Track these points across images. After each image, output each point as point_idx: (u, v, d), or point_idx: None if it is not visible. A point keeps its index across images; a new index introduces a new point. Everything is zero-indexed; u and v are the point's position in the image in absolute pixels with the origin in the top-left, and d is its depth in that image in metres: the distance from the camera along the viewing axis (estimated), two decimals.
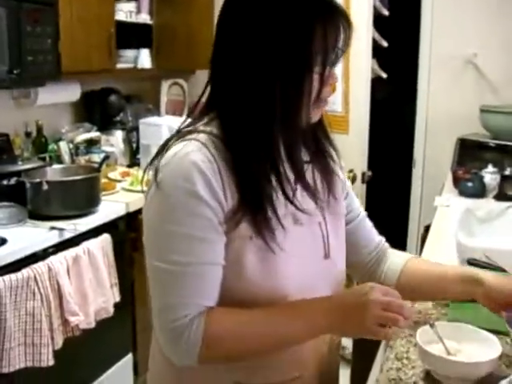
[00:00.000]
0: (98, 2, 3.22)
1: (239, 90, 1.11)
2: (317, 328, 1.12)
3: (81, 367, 2.67)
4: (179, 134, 1.16)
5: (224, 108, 1.14)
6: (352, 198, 1.41)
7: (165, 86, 4.08)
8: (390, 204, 4.21)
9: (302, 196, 1.19)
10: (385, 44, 4.08)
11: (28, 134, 3.15)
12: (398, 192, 4.25)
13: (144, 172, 1.17)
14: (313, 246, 1.23)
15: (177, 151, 1.10)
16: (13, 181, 2.66)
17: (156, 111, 4.06)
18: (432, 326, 1.22)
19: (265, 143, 1.11)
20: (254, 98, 1.09)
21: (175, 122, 3.52)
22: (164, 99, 4.07)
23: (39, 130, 3.19)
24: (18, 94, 3.10)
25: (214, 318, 1.09)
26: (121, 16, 3.57)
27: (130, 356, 3.02)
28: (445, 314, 1.47)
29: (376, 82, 4.12)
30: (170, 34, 3.90)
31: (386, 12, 4.04)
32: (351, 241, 1.38)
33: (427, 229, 2.51)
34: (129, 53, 3.76)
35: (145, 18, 3.82)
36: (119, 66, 3.61)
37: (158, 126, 3.38)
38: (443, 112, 3.84)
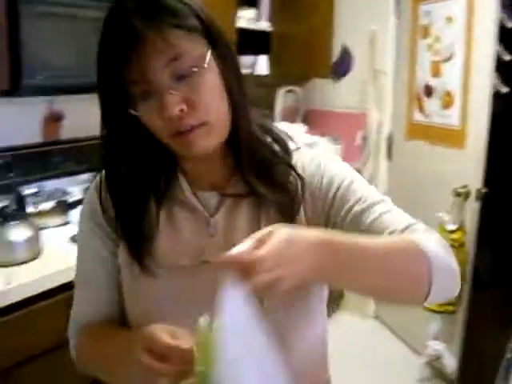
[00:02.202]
0: (221, 9, 3.30)
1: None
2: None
3: None
4: None
5: None
6: (346, 197, 1.11)
7: (280, 93, 4.13)
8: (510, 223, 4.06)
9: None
10: (507, 57, 3.94)
11: None
12: None
13: None
14: None
15: None
16: None
17: (271, 118, 4.11)
18: None
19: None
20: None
21: (291, 129, 3.57)
22: (279, 106, 4.12)
23: None
24: None
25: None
26: (242, 23, 3.66)
27: None
28: None
29: (496, 96, 3.99)
30: (289, 41, 3.95)
31: (511, 24, 3.91)
32: None
33: None
34: (247, 59, 3.84)
35: (264, 25, 3.90)
36: None
37: None
38: None
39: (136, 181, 1.10)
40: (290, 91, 4.21)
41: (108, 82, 1.00)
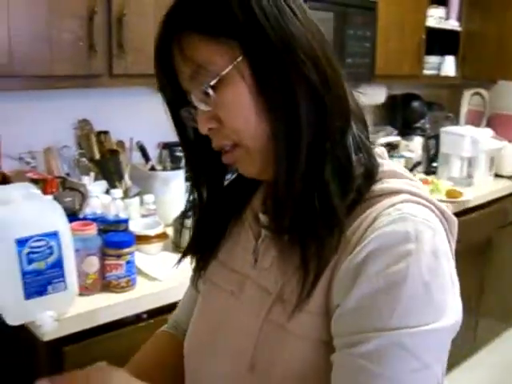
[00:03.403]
0: (413, 7, 3.24)
1: None
2: None
3: None
4: None
5: None
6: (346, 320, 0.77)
7: (466, 95, 3.97)
8: None
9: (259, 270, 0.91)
10: None
11: None
12: None
13: None
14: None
15: None
16: None
17: (454, 120, 3.97)
18: None
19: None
20: None
21: (478, 133, 3.40)
22: (464, 109, 3.96)
23: None
24: None
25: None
26: (431, 22, 3.55)
27: None
28: None
29: None
30: (479, 42, 3.78)
31: None
32: None
33: None
34: (433, 59, 3.74)
35: (453, 24, 3.77)
36: (424, 72, 3.59)
37: (461, 136, 3.28)
38: None
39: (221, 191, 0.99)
40: (475, 94, 4.02)
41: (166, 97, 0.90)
